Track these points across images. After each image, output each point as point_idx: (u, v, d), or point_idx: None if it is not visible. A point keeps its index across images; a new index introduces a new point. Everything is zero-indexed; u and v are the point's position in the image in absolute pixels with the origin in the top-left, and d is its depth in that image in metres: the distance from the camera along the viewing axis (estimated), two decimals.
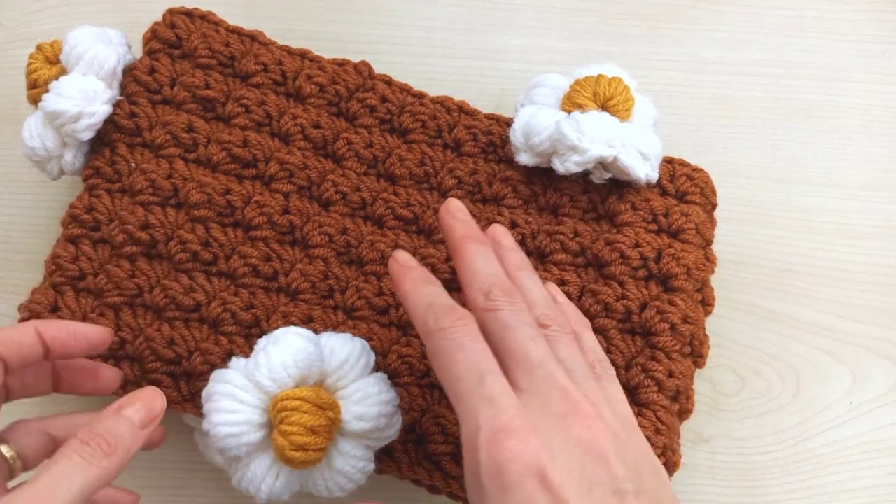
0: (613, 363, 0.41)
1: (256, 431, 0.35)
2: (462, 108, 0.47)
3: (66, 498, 0.29)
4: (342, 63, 0.47)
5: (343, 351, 0.37)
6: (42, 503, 0.28)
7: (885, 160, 0.52)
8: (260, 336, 0.41)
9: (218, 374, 0.36)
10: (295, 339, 0.36)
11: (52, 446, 0.35)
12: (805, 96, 0.53)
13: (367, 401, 0.36)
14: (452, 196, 0.45)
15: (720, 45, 0.54)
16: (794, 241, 0.51)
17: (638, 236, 0.43)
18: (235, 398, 0.35)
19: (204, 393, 0.36)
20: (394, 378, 0.40)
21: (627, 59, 0.53)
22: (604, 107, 0.43)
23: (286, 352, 0.36)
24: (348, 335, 0.39)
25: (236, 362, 0.37)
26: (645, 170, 0.43)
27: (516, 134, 0.44)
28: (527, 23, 0.54)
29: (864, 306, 0.50)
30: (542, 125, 0.43)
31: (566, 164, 0.42)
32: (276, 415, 0.35)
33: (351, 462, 0.36)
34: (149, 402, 0.34)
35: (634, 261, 0.42)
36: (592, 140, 0.41)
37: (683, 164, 0.46)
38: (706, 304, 0.44)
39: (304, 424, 0.34)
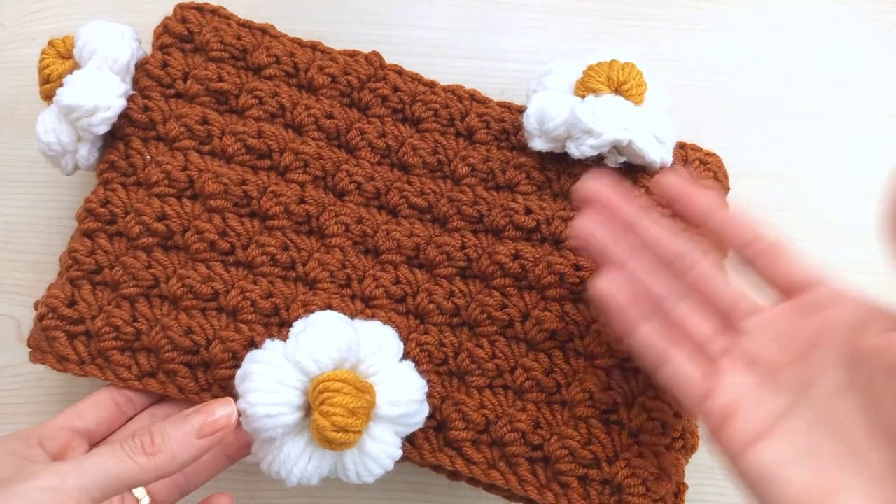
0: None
1: (294, 413, 0.35)
2: (474, 97, 0.47)
3: (92, 476, 0.32)
4: (353, 54, 0.47)
5: (377, 337, 0.37)
6: (70, 475, 0.31)
7: (885, 160, 0.52)
8: (280, 325, 0.41)
9: (255, 355, 0.36)
10: (335, 323, 0.37)
11: (180, 478, 0.38)
12: (805, 96, 0.53)
13: (399, 386, 0.37)
14: (466, 183, 0.45)
15: (720, 45, 0.54)
16: (794, 242, 0.51)
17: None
18: (275, 378, 0.35)
19: (239, 373, 0.36)
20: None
21: (627, 58, 0.53)
22: (617, 91, 0.43)
23: (328, 334, 0.36)
24: (378, 322, 0.39)
25: (272, 344, 0.36)
26: (660, 153, 0.43)
27: (530, 119, 0.44)
28: (527, 23, 0.54)
29: None
30: (556, 110, 0.43)
31: (581, 148, 0.42)
32: (316, 396, 0.35)
33: (381, 447, 0.36)
34: (209, 411, 0.35)
35: None
36: (607, 124, 0.41)
37: (696, 148, 0.46)
38: None
39: (345, 406, 0.34)
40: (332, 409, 0.34)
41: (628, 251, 0.37)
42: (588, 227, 0.37)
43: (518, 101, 0.47)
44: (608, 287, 0.36)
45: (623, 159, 0.44)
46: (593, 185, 0.38)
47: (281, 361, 0.35)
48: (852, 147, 0.52)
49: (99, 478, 0.32)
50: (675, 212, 0.38)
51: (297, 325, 0.37)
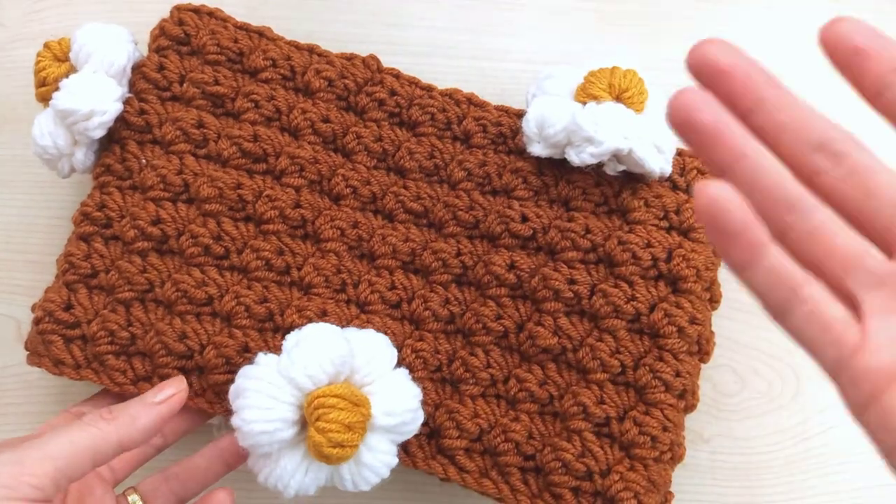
0: (622, 363, 0.41)
1: (289, 428, 0.35)
2: (471, 101, 0.47)
3: (54, 445, 0.33)
4: (350, 57, 0.47)
5: (370, 347, 0.37)
6: (32, 447, 0.32)
7: (885, 160, 0.52)
8: (274, 330, 0.41)
9: (248, 371, 0.36)
10: (328, 336, 0.36)
11: (178, 486, 0.39)
12: (804, 96, 0.53)
13: (394, 396, 0.36)
14: (462, 188, 0.45)
15: None
16: None
17: (650, 235, 0.43)
18: (269, 395, 0.35)
19: (233, 389, 0.36)
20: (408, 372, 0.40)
21: (627, 59, 0.53)
22: (618, 98, 0.43)
23: (322, 349, 0.35)
24: (372, 331, 0.39)
25: (265, 358, 0.36)
26: (659, 163, 0.43)
27: (530, 124, 0.44)
28: (527, 23, 0.54)
29: None
30: (557, 115, 0.42)
31: (581, 156, 0.42)
32: (312, 412, 0.34)
33: (378, 456, 0.36)
34: (165, 383, 0.38)
35: (645, 261, 0.42)
36: (609, 132, 0.41)
37: (694, 156, 0.45)
38: (714, 300, 0.44)
39: (341, 422, 0.34)
40: (328, 426, 0.34)
41: (746, 138, 0.24)
42: (691, 102, 0.24)
43: (517, 102, 0.47)
44: (722, 197, 0.23)
45: (622, 168, 0.43)
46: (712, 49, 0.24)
47: (275, 377, 0.35)
48: None
49: (63, 446, 0.32)
50: (844, 74, 0.27)
51: (290, 339, 0.37)
